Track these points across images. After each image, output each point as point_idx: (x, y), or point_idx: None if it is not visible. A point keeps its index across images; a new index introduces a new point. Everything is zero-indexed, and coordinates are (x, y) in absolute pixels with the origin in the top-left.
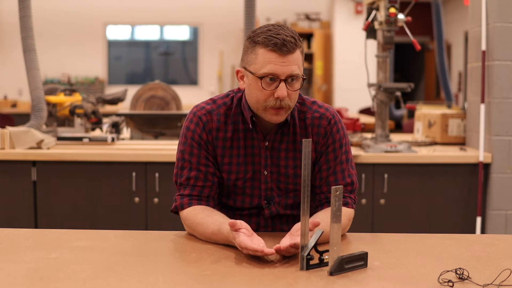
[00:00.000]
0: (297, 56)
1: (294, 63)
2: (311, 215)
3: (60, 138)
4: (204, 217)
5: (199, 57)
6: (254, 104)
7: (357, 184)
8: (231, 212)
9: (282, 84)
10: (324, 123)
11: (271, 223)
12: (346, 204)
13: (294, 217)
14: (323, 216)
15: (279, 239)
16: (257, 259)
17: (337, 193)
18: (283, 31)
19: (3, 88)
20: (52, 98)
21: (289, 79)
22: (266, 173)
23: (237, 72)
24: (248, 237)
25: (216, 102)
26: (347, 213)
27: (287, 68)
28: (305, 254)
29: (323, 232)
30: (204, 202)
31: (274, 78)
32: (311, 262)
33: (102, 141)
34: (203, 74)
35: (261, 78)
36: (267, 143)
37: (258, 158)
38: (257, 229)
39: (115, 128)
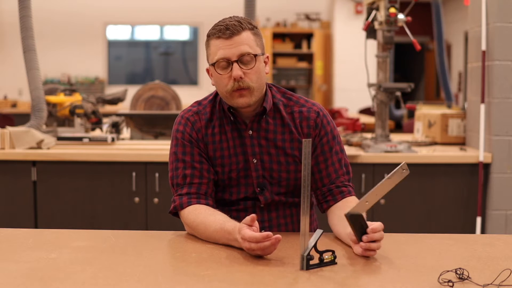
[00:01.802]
0: (246, 36)
1: (243, 43)
2: (311, 213)
3: (60, 138)
4: (206, 215)
5: (199, 57)
6: (222, 95)
7: (352, 173)
8: (227, 208)
9: (235, 65)
10: (313, 116)
11: (268, 216)
12: (349, 193)
13: (290, 206)
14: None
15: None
16: (258, 259)
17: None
18: (229, 18)
19: (3, 88)
20: (52, 98)
21: (242, 59)
22: (255, 161)
23: (207, 71)
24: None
25: (201, 103)
26: (355, 200)
27: (235, 49)
28: (305, 254)
29: (323, 232)
30: (203, 199)
31: (227, 62)
32: (311, 262)
33: (102, 141)
34: (203, 74)
35: (214, 65)
36: (250, 132)
37: (246, 147)
38: None
39: (115, 128)
